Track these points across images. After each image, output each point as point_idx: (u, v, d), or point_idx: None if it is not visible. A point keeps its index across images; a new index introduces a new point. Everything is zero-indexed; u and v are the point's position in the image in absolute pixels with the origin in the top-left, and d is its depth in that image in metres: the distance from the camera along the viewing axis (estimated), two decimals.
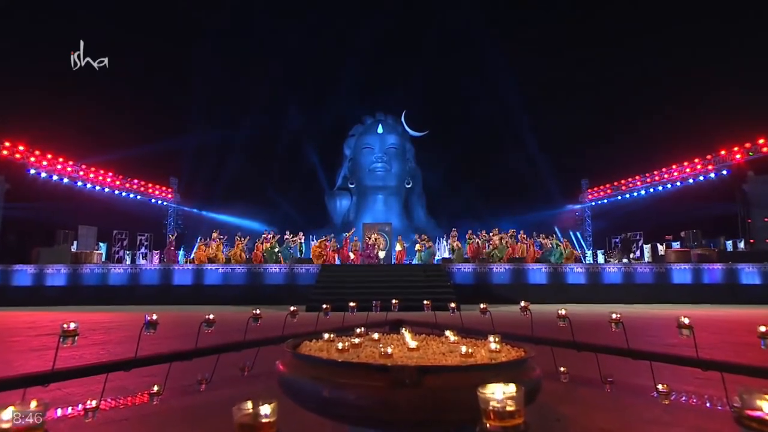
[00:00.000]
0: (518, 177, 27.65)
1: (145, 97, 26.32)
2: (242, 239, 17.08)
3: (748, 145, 19.19)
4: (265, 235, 17.19)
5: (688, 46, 23.73)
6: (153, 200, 24.75)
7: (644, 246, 20.81)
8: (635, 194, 23.87)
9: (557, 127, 26.59)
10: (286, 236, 17.29)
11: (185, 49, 26.26)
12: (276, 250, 16.66)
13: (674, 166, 21.84)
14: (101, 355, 5.17)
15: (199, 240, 17.76)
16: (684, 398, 3.23)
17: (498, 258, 16.31)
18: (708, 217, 20.45)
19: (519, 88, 27.68)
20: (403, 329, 2.69)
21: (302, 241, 17.89)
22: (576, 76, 26.93)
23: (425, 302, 3.99)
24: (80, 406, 2.71)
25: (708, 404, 3.10)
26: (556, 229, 22.48)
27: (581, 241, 25.28)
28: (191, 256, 17.74)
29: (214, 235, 17.41)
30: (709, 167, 20.48)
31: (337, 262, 16.84)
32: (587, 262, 20.55)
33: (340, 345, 2.17)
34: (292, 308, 3.59)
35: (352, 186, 27.07)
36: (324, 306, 3.81)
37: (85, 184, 20.75)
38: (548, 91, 27.21)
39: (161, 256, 19.28)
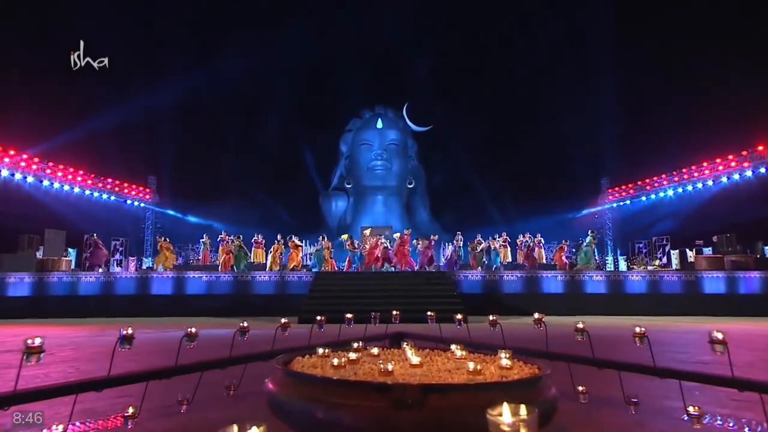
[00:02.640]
0: (531, 176, 27.65)
1: (123, 89, 26.32)
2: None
3: None
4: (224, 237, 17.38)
5: (717, 33, 23.72)
6: (129, 201, 24.75)
7: (671, 252, 20.77)
8: (661, 194, 23.87)
9: (575, 123, 26.64)
10: (321, 241, 17.45)
11: (176, 42, 26.30)
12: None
13: (705, 164, 21.76)
14: (69, 374, 5.16)
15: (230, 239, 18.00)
16: (719, 422, 3.21)
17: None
18: (743, 219, 20.31)
19: (529, 81, 27.71)
20: (405, 343, 2.69)
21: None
22: (592, 68, 26.96)
23: (429, 313, 3.99)
24: None
25: (747, 429, 3.09)
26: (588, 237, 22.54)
27: (612, 246, 25.33)
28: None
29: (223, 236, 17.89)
30: (745, 164, 20.41)
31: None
32: (608, 269, 20.54)
33: (335, 361, 2.17)
34: (283, 320, 3.59)
35: (349, 186, 27.07)
36: (318, 318, 3.81)
37: (53, 184, 20.70)
38: (562, 83, 27.25)
39: (87, 260, 18.07)
